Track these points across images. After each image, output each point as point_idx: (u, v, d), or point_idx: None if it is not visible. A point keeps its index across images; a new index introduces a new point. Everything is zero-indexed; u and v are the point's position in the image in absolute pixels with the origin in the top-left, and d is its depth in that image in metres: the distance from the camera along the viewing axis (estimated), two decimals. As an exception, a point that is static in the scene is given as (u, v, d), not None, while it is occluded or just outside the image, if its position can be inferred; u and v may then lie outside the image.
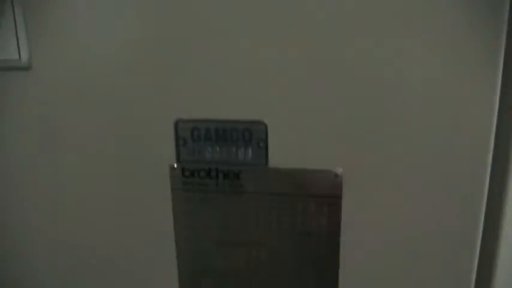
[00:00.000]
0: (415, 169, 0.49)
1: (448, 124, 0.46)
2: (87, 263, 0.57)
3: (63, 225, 0.56)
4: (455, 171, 0.48)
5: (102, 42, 0.50)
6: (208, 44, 0.48)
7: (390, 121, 0.48)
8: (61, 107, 0.52)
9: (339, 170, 0.49)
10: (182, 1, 0.47)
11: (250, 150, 0.49)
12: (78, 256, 0.57)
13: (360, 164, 0.49)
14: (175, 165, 0.51)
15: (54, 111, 0.53)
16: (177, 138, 0.50)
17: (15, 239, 0.58)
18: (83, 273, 0.57)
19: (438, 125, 0.46)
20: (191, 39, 0.48)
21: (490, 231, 0.51)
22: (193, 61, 0.49)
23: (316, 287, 0.54)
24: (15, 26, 0.50)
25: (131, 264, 0.56)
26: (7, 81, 0.52)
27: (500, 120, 0.47)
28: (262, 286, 0.54)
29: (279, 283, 0.54)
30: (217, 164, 0.51)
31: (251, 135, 0.49)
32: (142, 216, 0.54)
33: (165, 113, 0.51)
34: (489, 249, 0.52)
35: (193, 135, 0.50)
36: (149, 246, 0.55)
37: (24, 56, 0.51)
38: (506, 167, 0.49)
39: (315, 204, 0.51)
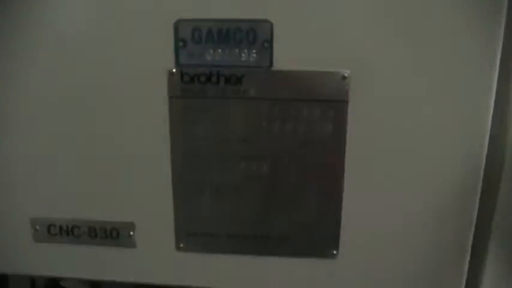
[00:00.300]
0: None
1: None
2: (79, 174, 0.53)
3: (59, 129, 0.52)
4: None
5: None
6: None
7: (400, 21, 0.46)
8: None
9: (346, 72, 0.47)
10: None
11: (254, 52, 0.47)
12: (69, 164, 0.53)
13: (368, 66, 0.47)
14: (174, 70, 0.48)
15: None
16: (176, 40, 0.48)
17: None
18: (76, 183, 0.53)
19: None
20: None
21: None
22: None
23: (321, 200, 0.51)
24: None
25: (124, 176, 0.53)
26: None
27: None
28: (262, 201, 0.52)
29: (280, 198, 0.51)
30: (219, 67, 0.49)
31: (255, 35, 0.47)
32: (137, 126, 0.52)
33: (163, 12, 0.48)
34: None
35: (194, 36, 0.48)
36: (143, 159, 0.52)
37: None
38: None
39: (320, 110, 0.49)
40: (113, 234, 0.56)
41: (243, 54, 0.47)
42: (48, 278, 0.80)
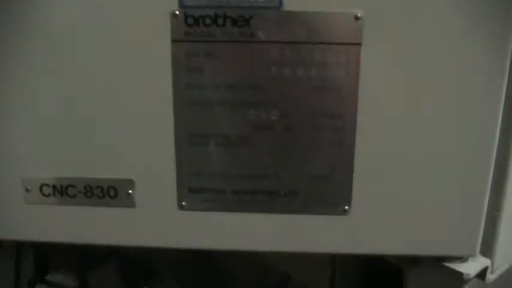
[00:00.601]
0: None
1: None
2: (73, 128, 0.50)
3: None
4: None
5: None
6: None
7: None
8: None
9: (360, 12, 0.44)
10: None
11: (263, -9, 0.44)
12: (63, 117, 0.49)
13: (383, 6, 0.45)
14: (177, 12, 0.45)
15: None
16: (180, -22, 0.44)
17: None
18: (70, 137, 0.50)
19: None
20: None
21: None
22: None
23: (332, 151, 0.48)
24: None
25: (122, 128, 0.51)
26: None
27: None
28: (271, 153, 0.49)
29: (290, 149, 0.49)
30: (225, 8, 0.45)
31: (264, -28, 0.44)
32: (136, 73, 0.49)
33: None
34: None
35: (199, -25, 0.44)
36: (143, 109, 0.49)
37: None
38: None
39: (332, 53, 0.46)
40: (111, 193, 0.53)
41: None
42: (34, 272, 0.76)
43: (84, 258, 0.79)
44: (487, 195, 0.50)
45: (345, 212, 0.50)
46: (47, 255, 0.79)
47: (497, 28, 0.45)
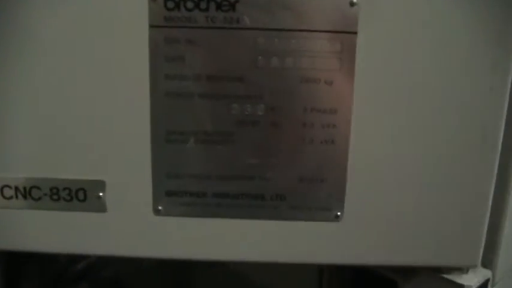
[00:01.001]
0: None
1: None
2: (38, 122, 0.45)
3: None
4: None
5: None
6: None
7: None
8: None
9: None
10: None
11: (250, -28, 0.39)
12: (27, 109, 0.44)
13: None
14: None
15: None
16: (159, -43, 0.39)
17: None
18: (34, 133, 0.45)
19: None
20: None
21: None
22: None
23: (324, 150, 0.43)
24: None
25: (92, 123, 0.46)
26: None
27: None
28: (257, 152, 0.44)
29: (278, 147, 0.44)
30: (209, -9, 0.40)
31: (253, -50, 0.39)
32: (109, 62, 0.44)
33: None
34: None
35: (181, -47, 0.39)
36: (115, 101, 0.45)
37: None
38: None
39: (325, 42, 0.41)
40: (79, 196, 0.48)
41: None
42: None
43: (54, 280, 0.72)
44: (490, 201, 0.47)
45: (337, 218, 0.46)
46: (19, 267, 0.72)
47: (502, 17, 0.42)
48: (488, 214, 0.47)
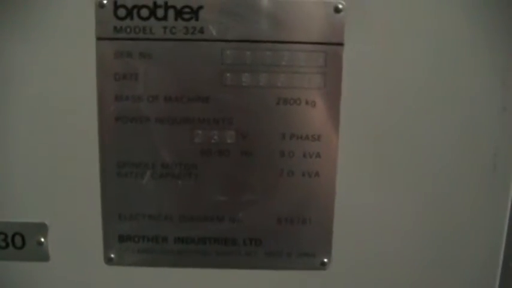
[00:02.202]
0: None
1: None
2: None
3: None
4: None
5: None
6: None
7: None
8: None
9: (341, 3, 0.32)
10: None
11: (216, -26, 0.32)
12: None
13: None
14: (105, 1, 0.33)
15: None
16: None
17: None
18: None
19: None
20: None
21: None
22: None
23: (306, 184, 0.38)
24: None
25: (32, 154, 0.38)
26: None
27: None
28: (227, 187, 0.38)
29: (251, 182, 0.38)
30: (167, -4, 0.33)
31: (217, -51, 0.32)
32: (52, 80, 0.37)
33: None
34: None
35: (133, -49, 0.32)
36: (58, 127, 0.38)
37: None
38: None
39: (306, 55, 0.34)
40: (16, 242, 0.40)
41: None
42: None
43: None
44: (503, 244, 0.39)
45: (323, 265, 0.39)
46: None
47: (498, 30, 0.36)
48: (501, 258, 0.39)
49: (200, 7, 0.35)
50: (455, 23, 0.35)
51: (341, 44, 0.35)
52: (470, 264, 0.39)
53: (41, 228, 0.39)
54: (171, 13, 0.35)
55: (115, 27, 0.35)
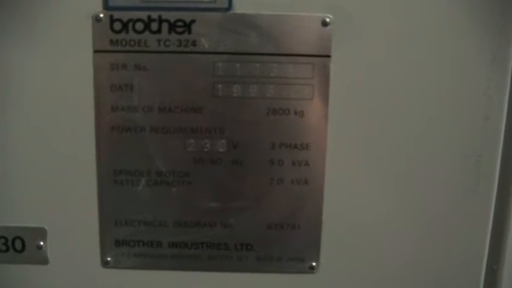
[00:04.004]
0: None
1: None
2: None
3: None
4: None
5: None
6: None
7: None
8: None
9: (329, 17, 0.32)
10: None
11: (207, -11, 0.33)
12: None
13: (357, 9, 0.35)
14: (102, 15, 0.33)
15: None
16: (104, -27, 0.33)
17: None
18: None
19: None
20: None
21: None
22: None
23: (295, 192, 0.38)
24: None
25: (31, 162, 0.39)
26: None
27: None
28: (219, 194, 0.39)
29: (243, 189, 0.38)
30: (161, 10, 0.35)
31: (209, -35, 0.33)
32: (50, 92, 0.37)
33: None
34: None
35: (128, -32, 0.33)
36: (57, 136, 0.38)
37: None
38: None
39: (294, 67, 0.35)
40: (17, 246, 0.40)
41: None
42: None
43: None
44: (487, 245, 0.39)
45: (311, 269, 0.39)
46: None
47: (496, 40, 0.36)
48: (484, 260, 0.40)
49: (193, 21, 0.35)
50: (440, 36, 0.35)
51: (328, 56, 0.35)
52: (455, 267, 0.39)
53: (41, 233, 0.39)
54: (164, 27, 0.35)
55: (111, 40, 0.35)
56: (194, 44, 0.35)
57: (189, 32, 0.35)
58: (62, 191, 0.38)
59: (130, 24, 0.35)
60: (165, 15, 0.35)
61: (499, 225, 0.39)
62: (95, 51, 0.36)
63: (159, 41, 0.35)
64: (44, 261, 0.40)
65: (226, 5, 0.35)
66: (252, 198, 0.38)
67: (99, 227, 0.39)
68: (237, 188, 0.37)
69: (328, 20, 0.35)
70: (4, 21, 0.35)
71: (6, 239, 0.39)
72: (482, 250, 0.39)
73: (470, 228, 0.38)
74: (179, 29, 0.35)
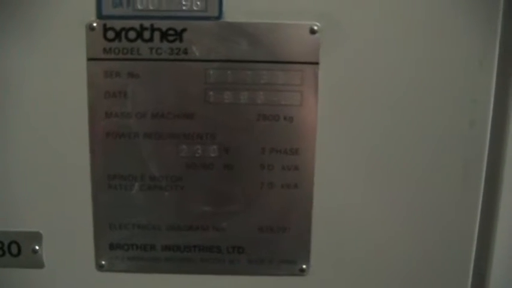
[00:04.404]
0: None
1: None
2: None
3: None
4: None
5: None
6: None
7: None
8: None
9: (316, 25, 0.33)
10: None
11: (198, -2, 0.33)
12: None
13: (345, 17, 0.36)
14: (95, 24, 0.33)
15: None
16: (97, -17, 0.33)
17: None
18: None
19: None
20: None
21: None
22: None
23: (286, 195, 0.37)
24: None
25: (26, 167, 0.40)
26: None
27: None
28: (211, 198, 0.39)
29: (234, 193, 0.38)
30: (153, 18, 0.35)
31: (200, -25, 0.33)
32: (44, 98, 0.38)
33: None
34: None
35: (121, -22, 0.33)
36: (52, 142, 0.39)
37: None
38: None
39: (283, 74, 0.35)
40: (13, 250, 0.41)
41: (184, 1, 0.33)
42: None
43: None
44: (473, 253, 0.39)
45: (302, 271, 0.39)
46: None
47: (482, 45, 0.36)
48: (471, 267, 0.40)
49: (184, 29, 0.36)
50: (426, 42, 0.36)
51: (317, 63, 0.36)
52: (442, 273, 0.39)
53: (36, 237, 0.40)
54: (156, 35, 0.36)
55: (104, 49, 0.36)
56: (186, 52, 0.36)
57: (181, 40, 0.36)
58: (57, 195, 0.39)
59: (123, 33, 0.36)
60: (157, 23, 0.36)
61: (486, 229, 0.39)
62: (89, 59, 0.36)
63: (151, 49, 0.36)
64: (40, 265, 0.40)
65: (216, 14, 0.35)
66: (243, 202, 0.38)
67: (94, 230, 0.39)
68: (229, 192, 0.38)
69: (316, 28, 0.35)
70: (3, 32, 0.35)
71: (2, 243, 0.40)
72: (469, 254, 0.39)
73: (457, 232, 0.39)
74: (171, 37, 0.36)
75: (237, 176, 0.37)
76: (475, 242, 0.39)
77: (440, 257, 0.39)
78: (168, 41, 0.36)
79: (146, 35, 0.36)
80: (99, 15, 0.36)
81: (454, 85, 0.36)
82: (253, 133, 0.37)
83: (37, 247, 0.40)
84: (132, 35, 0.36)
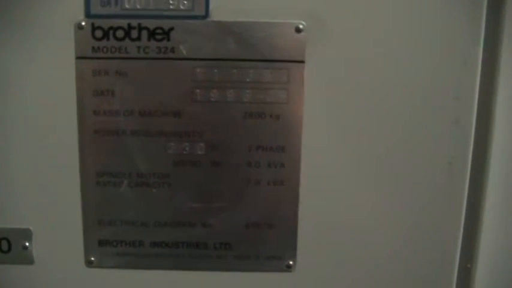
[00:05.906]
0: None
1: None
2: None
3: None
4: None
5: None
6: None
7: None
8: None
9: (302, 23, 0.34)
10: None
11: (185, -3, 0.34)
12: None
13: (330, 16, 0.36)
14: (83, 23, 0.34)
15: None
16: (85, -18, 0.34)
17: None
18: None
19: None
20: None
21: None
22: None
23: (272, 191, 0.38)
24: None
25: (16, 165, 0.40)
26: None
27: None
28: (198, 195, 0.39)
29: (221, 190, 0.39)
30: (141, 18, 0.35)
31: (186, -25, 0.34)
32: (33, 97, 0.38)
33: None
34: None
35: (109, -23, 0.34)
36: (41, 140, 0.39)
37: None
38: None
39: (270, 73, 0.35)
40: (3, 247, 0.41)
41: (171, 1, 0.34)
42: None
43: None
44: (459, 245, 0.40)
45: (289, 267, 0.40)
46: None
47: (466, 44, 0.36)
48: (457, 259, 0.40)
49: (171, 28, 0.36)
50: (411, 41, 0.36)
51: (302, 62, 0.36)
52: (428, 266, 0.39)
53: (26, 234, 0.40)
54: (144, 34, 0.36)
55: (93, 47, 0.37)
56: (173, 50, 0.36)
57: (168, 39, 0.36)
58: (47, 192, 0.39)
59: (111, 32, 0.36)
60: (144, 23, 0.36)
61: (471, 225, 0.40)
62: (77, 58, 0.37)
63: (139, 48, 0.36)
64: (30, 261, 0.41)
65: (203, 13, 0.36)
66: (230, 198, 0.39)
67: (83, 227, 0.40)
68: (216, 189, 0.38)
69: (301, 26, 0.36)
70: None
71: (-8, 240, 0.40)
72: (454, 249, 0.39)
73: (443, 228, 0.39)
74: (158, 36, 0.36)
75: (224, 173, 0.38)
76: (460, 238, 0.39)
77: (427, 253, 0.40)
78: (156, 40, 0.36)
79: (134, 34, 0.36)
80: (88, 14, 0.36)
81: (439, 83, 0.37)
82: (240, 131, 0.37)
83: (27, 243, 0.41)
84: (120, 34, 0.36)
